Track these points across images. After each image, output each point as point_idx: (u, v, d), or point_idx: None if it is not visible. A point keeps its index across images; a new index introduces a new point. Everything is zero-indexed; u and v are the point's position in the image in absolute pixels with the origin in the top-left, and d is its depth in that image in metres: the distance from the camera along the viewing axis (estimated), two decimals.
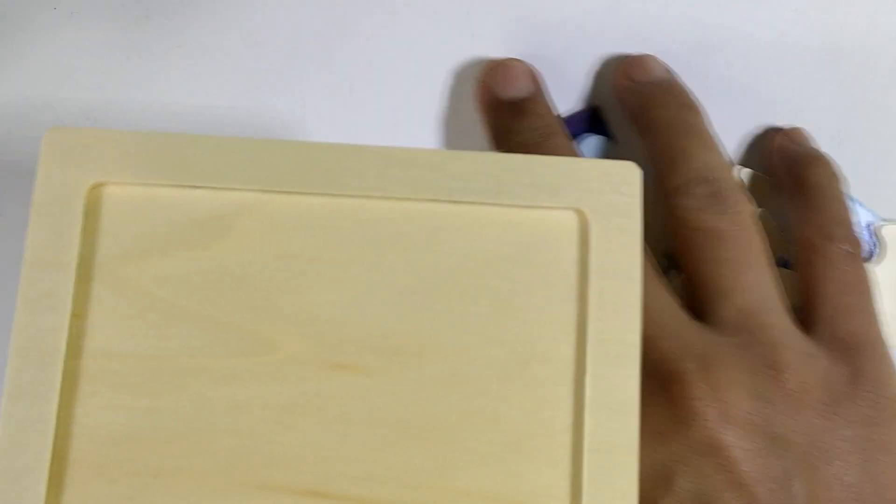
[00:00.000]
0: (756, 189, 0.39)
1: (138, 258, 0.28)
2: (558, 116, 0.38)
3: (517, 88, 0.38)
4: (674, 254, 0.37)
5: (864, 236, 0.39)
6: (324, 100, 0.39)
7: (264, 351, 0.27)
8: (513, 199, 0.28)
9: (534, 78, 0.38)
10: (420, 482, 0.27)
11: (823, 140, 0.39)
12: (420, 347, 0.27)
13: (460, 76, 0.40)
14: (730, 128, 0.39)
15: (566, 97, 0.39)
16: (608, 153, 0.39)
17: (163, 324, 0.27)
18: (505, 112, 0.37)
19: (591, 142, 0.39)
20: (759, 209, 0.38)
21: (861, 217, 0.39)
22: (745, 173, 0.39)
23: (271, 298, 0.27)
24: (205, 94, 0.39)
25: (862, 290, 0.36)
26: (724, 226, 0.34)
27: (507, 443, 0.27)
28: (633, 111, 0.38)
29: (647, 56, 0.39)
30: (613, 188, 0.28)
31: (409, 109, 0.39)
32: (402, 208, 0.28)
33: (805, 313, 0.36)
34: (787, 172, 0.39)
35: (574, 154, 0.37)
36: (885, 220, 0.39)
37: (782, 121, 0.39)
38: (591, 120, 0.39)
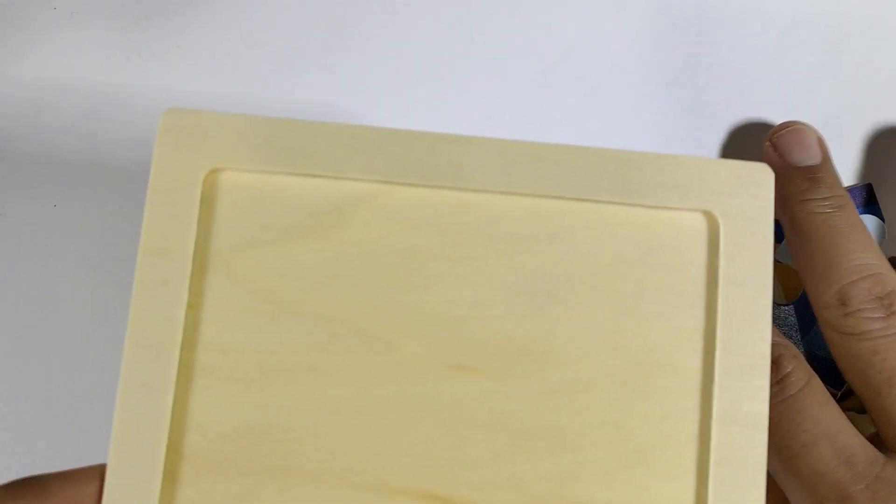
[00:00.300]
0: None
1: (255, 248, 0.27)
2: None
3: (809, 156, 0.37)
4: None
5: None
6: (323, 99, 0.39)
7: (383, 350, 0.26)
8: (640, 198, 0.27)
9: (823, 145, 0.37)
10: (540, 490, 0.26)
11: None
12: (543, 351, 0.26)
13: (461, 76, 0.39)
14: (729, 128, 0.38)
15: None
16: (883, 234, 0.39)
17: (279, 317, 0.26)
18: (795, 178, 0.36)
19: (869, 221, 0.38)
20: None
21: None
22: None
23: (391, 294, 0.26)
24: (205, 94, 0.39)
25: None
26: None
27: (630, 453, 0.26)
28: None
29: None
30: (745, 191, 0.27)
31: (409, 109, 0.39)
32: (527, 205, 0.27)
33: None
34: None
35: (864, 231, 0.35)
36: None
37: (780, 119, 0.39)
38: (866, 197, 0.39)
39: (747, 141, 0.39)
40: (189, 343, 0.26)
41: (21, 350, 0.37)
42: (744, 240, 0.27)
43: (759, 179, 0.27)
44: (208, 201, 0.27)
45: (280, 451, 0.26)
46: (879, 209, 0.38)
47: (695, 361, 0.26)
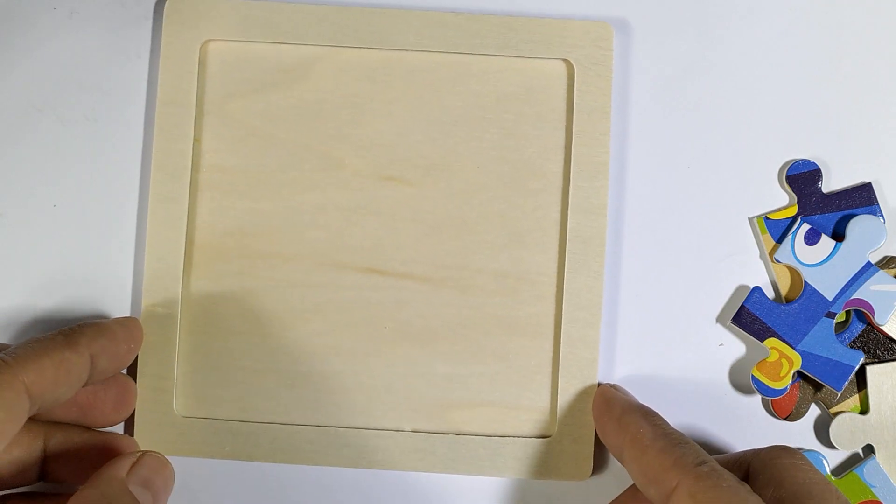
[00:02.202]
0: None
1: (239, 97, 0.37)
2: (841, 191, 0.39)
3: None
4: None
5: None
6: None
7: (336, 167, 0.37)
8: (516, 52, 0.37)
9: None
10: (448, 263, 0.37)
11: (823, 141, 0.39)
12: (448, 165, 0.37)
13: None
14: (729, 130, 0.39)
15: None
16: (883, 234, 0.39)
17: (260, 146, 0.37)
18: None
19: (864, 220, 0.39)
20: None
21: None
22: None
23: (339, 128, 0.37)
24: None
25: None
26: None
27: (511, 235, 0.37)
28: None
29: None
30: (592, 43, 0.37)
31: None
32: (434, 59, 0.37)
33: None
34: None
35: None
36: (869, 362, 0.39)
37: (781, 123, 0.39)
38: (866, 197, 0.39)
39: (747, 141, 0.39)
40: (196, 167, 0.37)
41: None
42: (591, 79, 0.37)
43: (602, 34, 0.37)
44: (203, 64, 0.37)
45: (266, 242, 0.37)
46: (879, 209, 0.39)
47: (557, 168, 0.37)
